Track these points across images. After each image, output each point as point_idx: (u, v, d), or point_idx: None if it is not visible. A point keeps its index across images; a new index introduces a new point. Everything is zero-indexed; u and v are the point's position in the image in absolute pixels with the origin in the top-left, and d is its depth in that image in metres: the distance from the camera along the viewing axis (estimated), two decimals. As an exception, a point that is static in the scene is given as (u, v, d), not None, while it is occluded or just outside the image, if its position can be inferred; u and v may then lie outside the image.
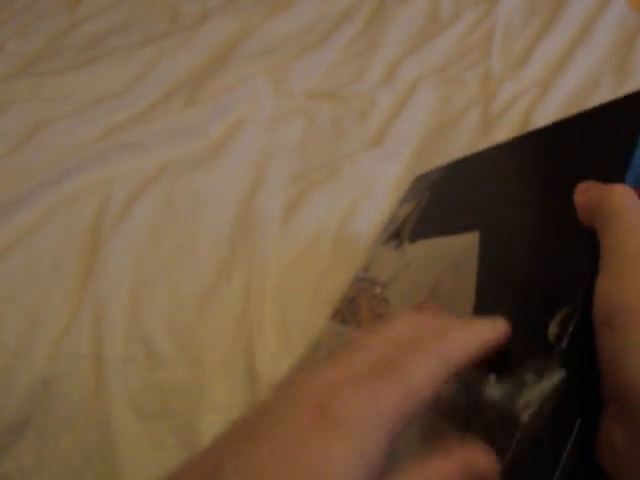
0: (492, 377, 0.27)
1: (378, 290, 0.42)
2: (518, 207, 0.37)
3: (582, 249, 0.30)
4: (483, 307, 0.33)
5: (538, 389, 0.27)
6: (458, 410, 0.28)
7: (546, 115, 0.64)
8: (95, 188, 0.56)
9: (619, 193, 0.28)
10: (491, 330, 0.27)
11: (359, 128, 0.64)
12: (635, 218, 0.26)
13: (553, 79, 0.69)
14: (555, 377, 0.27)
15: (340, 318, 0.43)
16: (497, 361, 0.27)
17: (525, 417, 0.26)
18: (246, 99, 0.67)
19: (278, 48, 0.76)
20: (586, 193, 0.30)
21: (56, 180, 0.55)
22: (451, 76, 0.71)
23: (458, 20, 0.80)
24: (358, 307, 0.42)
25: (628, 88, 0.67)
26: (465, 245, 0.37)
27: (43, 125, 0.61)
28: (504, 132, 0.62)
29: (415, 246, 0.42)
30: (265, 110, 0.67)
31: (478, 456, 0.25)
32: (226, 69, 0.72)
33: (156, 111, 0.64)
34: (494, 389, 0.27)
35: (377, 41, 0.77)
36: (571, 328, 0.27)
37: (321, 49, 0.75)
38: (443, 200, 0.44)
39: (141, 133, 0.60)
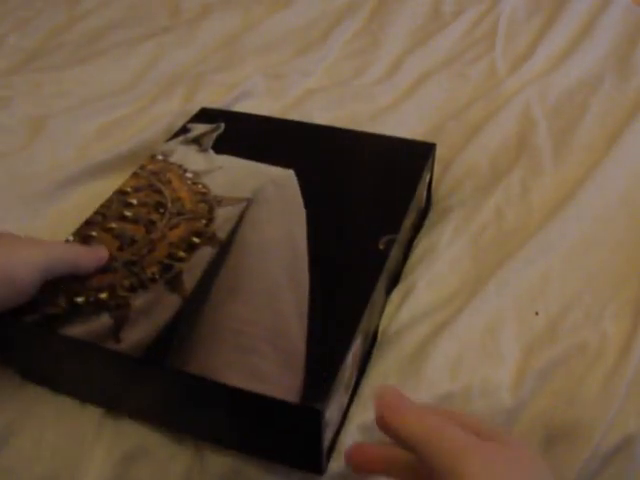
0: None
1: (190, 175, 0.49)
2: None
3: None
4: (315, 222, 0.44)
5: None
6: None
7: (549, 110, 0.64)
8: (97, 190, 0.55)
9: (471, 453, 0.26)
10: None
11: (363, 124, 0.63)
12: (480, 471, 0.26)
13: (557, 74, 0.69)
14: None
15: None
16: None
17: None
18: (247, 95, 0.67)
19: (279, 44, 0.76)
20: (400, 414, 0.28)
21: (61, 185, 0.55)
22: (455, 72, 0.71)
23: (461, 16, 0.79)
24: (168, 180, 0.48)
25: (632, 84, 0.67)
26: (282, 174, 0.49)
27: (43, 120, 0.60)
28: (508, 127, 0.62)
29: (222, 157, 0.51)
30: (266, 106, 0.66)
31: None
32: (227, 65, 0.71)
33: (156, 107, 0.64)
34: None
35: (380, 37, 0.77)
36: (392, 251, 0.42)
37: (323, 45, 0.75)
38: (240, 134, 0.54)
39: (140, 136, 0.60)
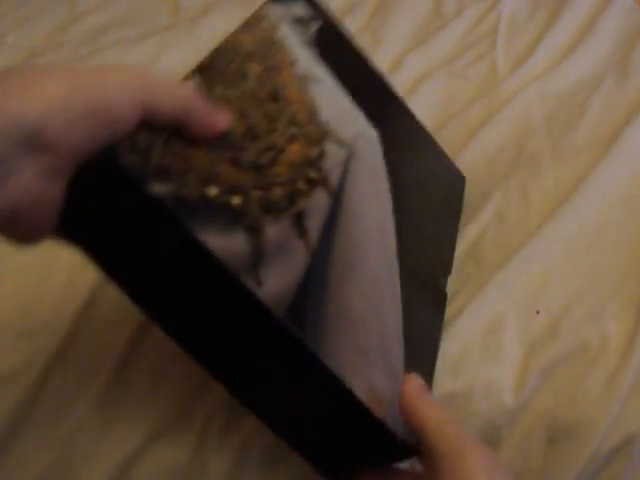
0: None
1: (299, 72, 0.38)
2: None
3: None
4: None
5: None
6: None
7: (550, 110, 0.64)
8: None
9: (474, 449, 0.29)
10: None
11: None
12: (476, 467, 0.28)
13: (557, 74, 0.69)
14: None
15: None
16: None
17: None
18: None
19: (280, 43, 0.76)
20: (422, 410, 0.31)
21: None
22: (455, 71, 0.71)
23: (462, 15, 0.79)
24: (277, 65, 0.37)
25: (632, 84, 0.67)
26: (373, 134, 0.40)
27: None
28: (508, 127, 0.62)
29: (324, 70, 0.40)
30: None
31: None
32: (228, 63, 0.71)
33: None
34: None
35: (380, 36, 0.77)
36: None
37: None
38: (329, 51, 0.42)
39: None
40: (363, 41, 0.77)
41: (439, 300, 0.40)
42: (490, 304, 0.45)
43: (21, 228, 0.27)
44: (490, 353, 0.42)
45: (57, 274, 0.48)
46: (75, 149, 0.25)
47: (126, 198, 0.27)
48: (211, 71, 0.33)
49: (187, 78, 0.32)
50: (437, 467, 0.29)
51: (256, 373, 0.33)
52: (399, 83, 0.70)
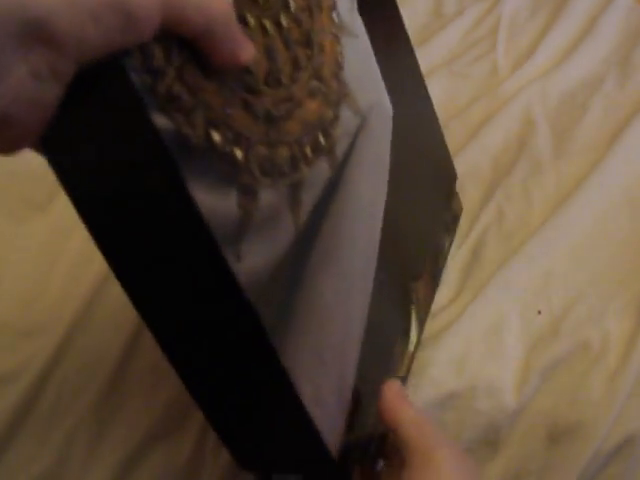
0: None
1: (336, 19, 0.33)
2: None
3: None
4: None
5: None
6: None
7: (551, 110, 0.64)
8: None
9: (446, 448, 0.30)
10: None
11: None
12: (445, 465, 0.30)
13: (558, 74, 0.68)
14: None
15: None
16: None
17: None
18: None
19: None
20: (399, 409, 0.32)
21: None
22: (456, 71, 0.71)
23: (462, 15, 0.79)
24: (316, 5, 0.32)
25: (633, 83, 0.67)
26: (389, 110, 0.37)
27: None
28: (509, 127, 0.62)
29: (360, 23, 0.36)
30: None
31: None
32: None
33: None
34: None
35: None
36: None
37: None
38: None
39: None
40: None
41: (405, 304, 0.39)
42: (492, 304, 0.45)
43: (5, 133, 0.23)
44: (492, 352, 0.42)
45: (57, 275, 0.48)
46: (83, 48, 0.21)
47: (124, 119, 0.23)
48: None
49: None
50: (409, 463, 0.30)
51: (205, 349, 0.29)
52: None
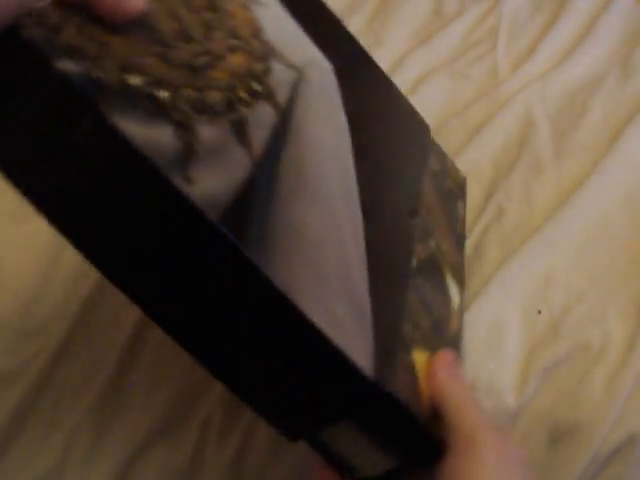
0: None
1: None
2: None
3: None
4: None
5: None
6: None
7: (551, 109, 0.64)
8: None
9: (490, 433, 0.29)
10: None
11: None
12: (490, 446, 0.28)
13: (558, 74, 0.68)
14: None
15: None
16: None
17: None
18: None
19: (281, 43, 0.76)
20: (448, 385, 0.31)
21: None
22: (456, 71, 0.71)
23: (463, 15, 0.79)
24: None
25: (634, 83, 0.67)
26: (327, 65, 0.39)
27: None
28: (509, 127, 0.62)
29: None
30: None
31: None
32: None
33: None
34: None
35: (381, 36, 0.77)
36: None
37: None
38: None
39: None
40: (364, 41, 0.76)
41: (406, 240, 0.37)
42: (492, 303, 0.44)
43: None
44: (492, 352, 0.42)
45: (57, 275, 0.48)
46: None
47: (31, 77, 0.24)
48: None
49: None
50: (451, 447, 0.29)
51: (200, 302, 0.28)
52: (400, 83, 0.69)
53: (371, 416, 0.29)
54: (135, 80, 0.26)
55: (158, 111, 0.26)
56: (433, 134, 0.62)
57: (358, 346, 0.27)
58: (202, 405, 0.41)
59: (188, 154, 0.26)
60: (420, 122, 0.51)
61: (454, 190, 0.48)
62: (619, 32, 0.74)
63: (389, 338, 0.30)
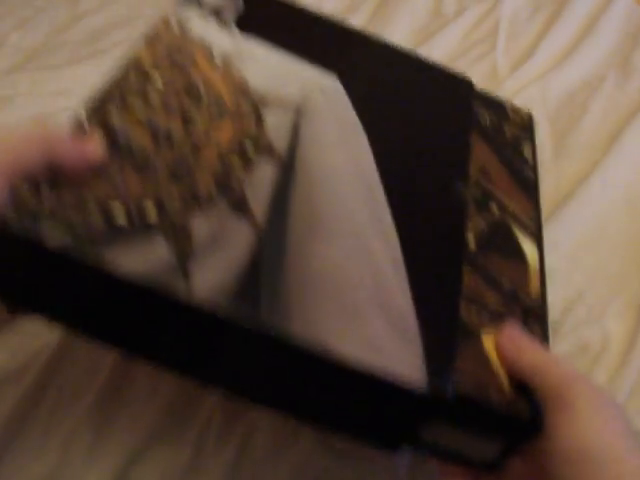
0: None
1: (219, 58, 0.38)
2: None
3: None
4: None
5: None
6: None
7: (551, 110, 0.64)
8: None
9: (580, 384, 0.28)
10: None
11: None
12: (590, 408, 0.27)
13: (558, 74, 0.68)
14: None
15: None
16: None
17: None
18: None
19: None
20: (524, 351, 0.30)
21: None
22: (456, 71, 0.71)
23: (462, 15, 0.79)
24: (194, 61, 0.37)
25: (634, 83, 0.67)
26: (329, 82, 0.40)
27: (44, 120, 0.60)
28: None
29: (252, 42, 0.40)
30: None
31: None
32: (228, 64, 0.71)
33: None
34: None
35: (381, 36, 0.77)
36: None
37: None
38: (262, 20, 0.43)
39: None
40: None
41: (456, 222, 0.36)
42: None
43: None
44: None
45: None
46: None
47: (34, 254, 0.27)
48: (117, 92, 0.34)
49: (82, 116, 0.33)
50: (546, 404, 0.28)
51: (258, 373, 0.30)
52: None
53: (449, 414, 0.29)
54: (117, 212, 0.28)
55: (147, 230, 0.28)
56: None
57: (404, 362, 0.27)
58: (202, 405, 0.41)
59: (184, 258, 0.28)
60: (458, 81, 0.49)
61: (517, 134, 0.46)
62: (618, 32, 0.75)
63: (444, 336, 0.30)
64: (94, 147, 0.31)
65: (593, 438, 0.26)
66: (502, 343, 0.31)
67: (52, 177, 0.28)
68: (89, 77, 0.68)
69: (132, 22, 0.78)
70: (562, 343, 0.42)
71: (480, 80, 0.70)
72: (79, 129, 0.32)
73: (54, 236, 0.26)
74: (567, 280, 0.46)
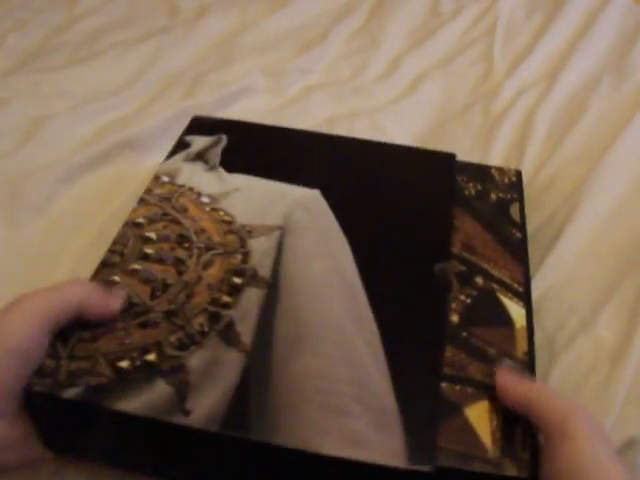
0: None
1: (206, 199, 0.44)
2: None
3: None
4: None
5: None
6: None
7: (548, 111, 0.64)
8: (98, 187, 0.55)
9: (578, 414, 0.30)
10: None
11: (360, 124, 0.63)
12: (589, 434, 0.30)
13: (555, 75, 0.69)
14: None
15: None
16: None
17: None
18: (245, 95, 0.67)
19: (278, 43, 0.76)
20: (521, 388, 0.33)
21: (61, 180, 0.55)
22: (453, 71, 0.71)
23: (459, 15, 0.79)
24: (183, 207, 0.43)
25: (631, 83, 0.67)
26: (309, 195, 0.44)
27: (42, 121, 0.60)
28: (506, 128, 0.62)
29: (236, 176, 0.46)
30: (264, 103, 0.66)
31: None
32: (225, 65, 0.71)
33: (155, 106, 0.64)
34: None
35: (378, 37, 0.77)
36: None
37: (321, 45, 0.75)
38: (244, 147, 0.49)
39: (140, 129, 0.60)
40: (361, 42, 0.77)
41: (440, 287, 0.39)
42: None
43: (9, 460, 0.33)
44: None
45: (58, 275, 0.48)
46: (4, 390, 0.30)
47: (60, 409, 0.33)
48: (114, 258, 0.39)
49: (95, 274, 0.38)
50: (546, 436, 0.31)
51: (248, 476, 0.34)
52: (397, 83, 0.70)
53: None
54: (123, 364, 0.33)
55: (149, 374, 0.33)
56: (429, 134, 0.62)
57: (386, 449, 0.31)
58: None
59: (183, 393, 0.32)
60: (439, 158, 0.50)
61: (503, 197, 0.48)
62: (615, 32, 0.75)
63: (425, 417, 0.32)
64: (117, 299, 0.36)
65: (592, 461, 0.29)
66: (500, 383, 0.33)
67: (74, 333, 0.34)
68: (87, 78, 0.68)
69: (129, 23, 0.78)
70: (557, 357, 0.42)
71: (477, 80, 0.70)
72: (105, 283, 0.37)
73: (70, 389, 0.32)
74: (560, 290, 0.46)
